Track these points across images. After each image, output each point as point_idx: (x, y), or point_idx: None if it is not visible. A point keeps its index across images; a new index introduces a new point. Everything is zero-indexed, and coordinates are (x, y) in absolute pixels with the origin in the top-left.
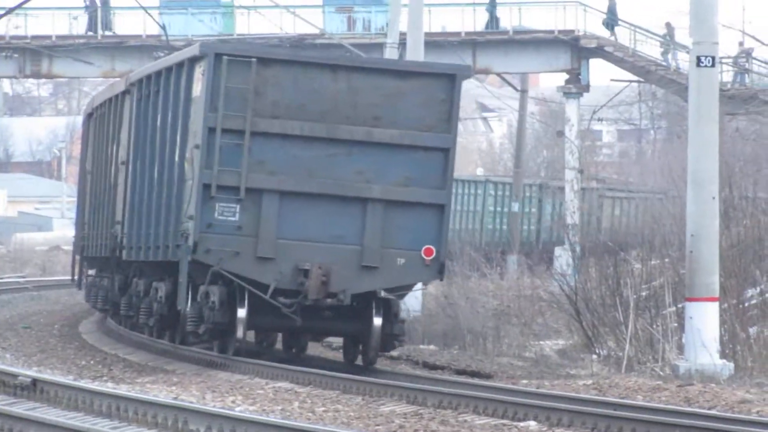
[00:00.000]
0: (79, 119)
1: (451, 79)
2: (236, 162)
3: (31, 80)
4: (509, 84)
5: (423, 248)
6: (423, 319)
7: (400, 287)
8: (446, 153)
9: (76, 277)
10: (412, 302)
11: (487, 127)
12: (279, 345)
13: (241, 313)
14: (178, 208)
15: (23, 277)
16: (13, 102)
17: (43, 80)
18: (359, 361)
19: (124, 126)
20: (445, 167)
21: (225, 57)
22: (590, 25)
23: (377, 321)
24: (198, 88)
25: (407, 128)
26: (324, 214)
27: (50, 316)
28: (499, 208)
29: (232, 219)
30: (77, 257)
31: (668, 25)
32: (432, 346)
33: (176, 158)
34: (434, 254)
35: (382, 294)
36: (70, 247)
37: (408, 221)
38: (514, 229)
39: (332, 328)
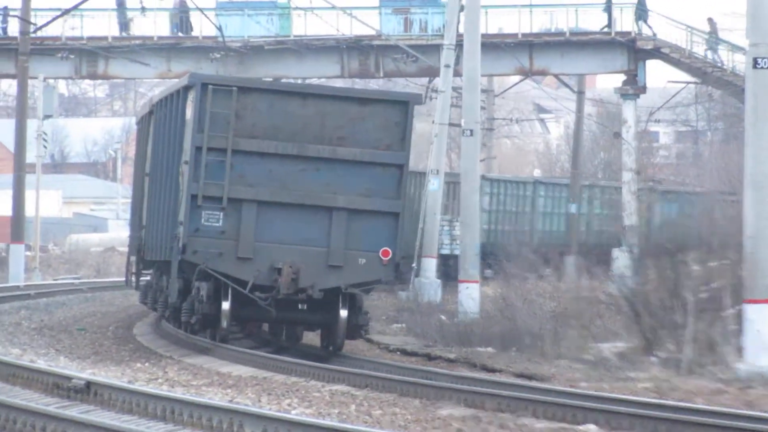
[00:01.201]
0: (135, 120)
1: (405, 106)
2: (220, 176)
3: (87, 81)
4: (566, 85)
5: (381, 250)
6: (481, 321)
7: (362, 283)
8: (400, 168)
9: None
10: (470, 304)
11: (544, 129)
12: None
13: (225, 305)
14: (175, 215)
15: (78, 278)
16: (69, 103)
17: (99, 81)
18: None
19: (150, 142)
20: (399, 181)
21: (210, 86)
22: (646, 27)
23: (343, 313)
24: (189, 112)
25: (367, 147)
26: (295, 221)
27: (105, 318)
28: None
29: (217, 225)
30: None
31: (710, 20)
32: (490, 349)
33: (175, 172)
34: (390, 255)
35: (347, 289)
36: (124, 249)
37: (368, 227)
38: (572, 231)
39: (304, 319)
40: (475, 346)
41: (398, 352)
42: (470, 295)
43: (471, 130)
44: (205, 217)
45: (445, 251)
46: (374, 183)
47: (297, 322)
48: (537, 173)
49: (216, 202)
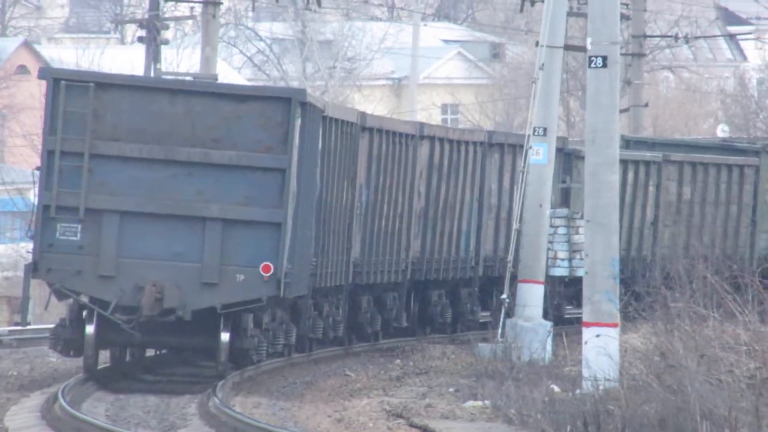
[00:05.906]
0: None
1: (286, 103)
2: (76, 183)
3: None
4: None
5: (261, 265)
6: (623, 394)
7: (241, 303)
8: (283, 173)
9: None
10: (603, 363)
11: (735, 53)
12: None
13: (89, 329)
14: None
15: None
16: None
17: None
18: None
19: None
20: (282, 187)
21: (63, 81)
22: None
23: (224, 336)
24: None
25: (245, 150)
26: (164, 233)
27: None
28: None
29: (74, 239)
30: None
31: None
32: None
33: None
34: (272, 270)
35: (223, 309)
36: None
37: (246, 239)
38: None
39: (179, 342)
40: None
41: None
42: (603, 349)
43: (604, 58)
44: (60, 231)
45: (560, 272)
46: (253, 190)
47: (169, 347)
48: (722, 131)
49: (72, 213)
